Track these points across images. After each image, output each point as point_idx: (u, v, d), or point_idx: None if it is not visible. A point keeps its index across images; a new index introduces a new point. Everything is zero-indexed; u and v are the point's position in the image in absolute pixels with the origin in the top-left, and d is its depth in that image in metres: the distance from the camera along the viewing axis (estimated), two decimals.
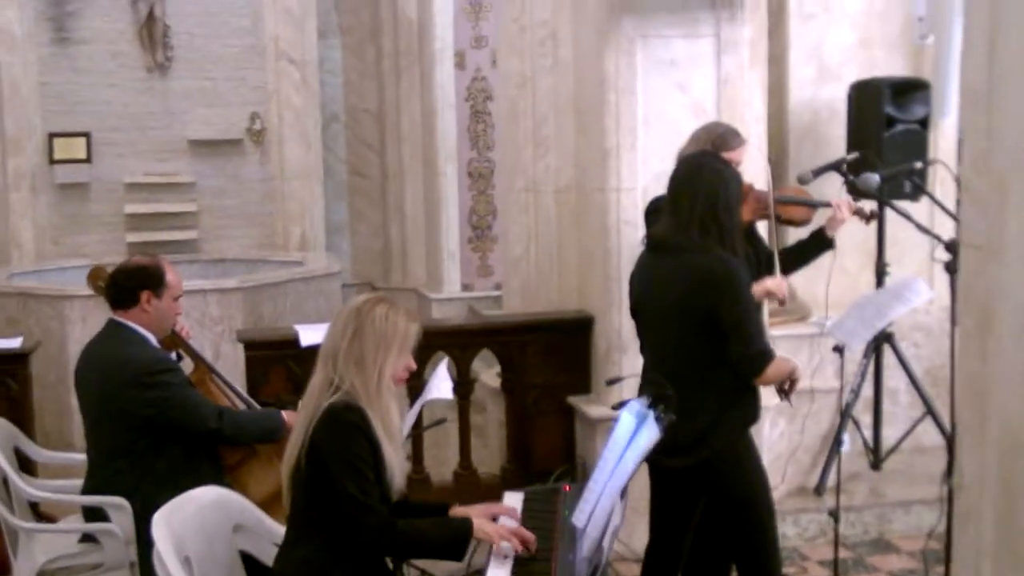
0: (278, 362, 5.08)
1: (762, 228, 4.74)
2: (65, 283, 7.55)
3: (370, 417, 2.95)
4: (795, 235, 5.02)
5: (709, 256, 3.47)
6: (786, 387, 3.60)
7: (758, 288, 4.27)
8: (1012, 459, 2.27)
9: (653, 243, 3.67)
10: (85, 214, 8.93)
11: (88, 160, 8.86)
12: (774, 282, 4.25)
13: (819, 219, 4.66)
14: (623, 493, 2.83)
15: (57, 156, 8.79)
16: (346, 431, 2.92)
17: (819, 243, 4.53)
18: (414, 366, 3.11)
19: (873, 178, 4.60)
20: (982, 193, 2.33)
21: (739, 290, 3.48)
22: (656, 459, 3.04)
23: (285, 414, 3.98)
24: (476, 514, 3.12)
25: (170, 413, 3.89)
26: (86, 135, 8.83)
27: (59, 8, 8.71)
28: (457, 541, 3.01)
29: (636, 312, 3.78)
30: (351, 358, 2.96)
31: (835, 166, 4.92)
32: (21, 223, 8.73)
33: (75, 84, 8.83)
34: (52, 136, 8.78)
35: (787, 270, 4.67)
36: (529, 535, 3.05)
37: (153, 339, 4.04)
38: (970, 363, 2.39)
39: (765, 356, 3.51)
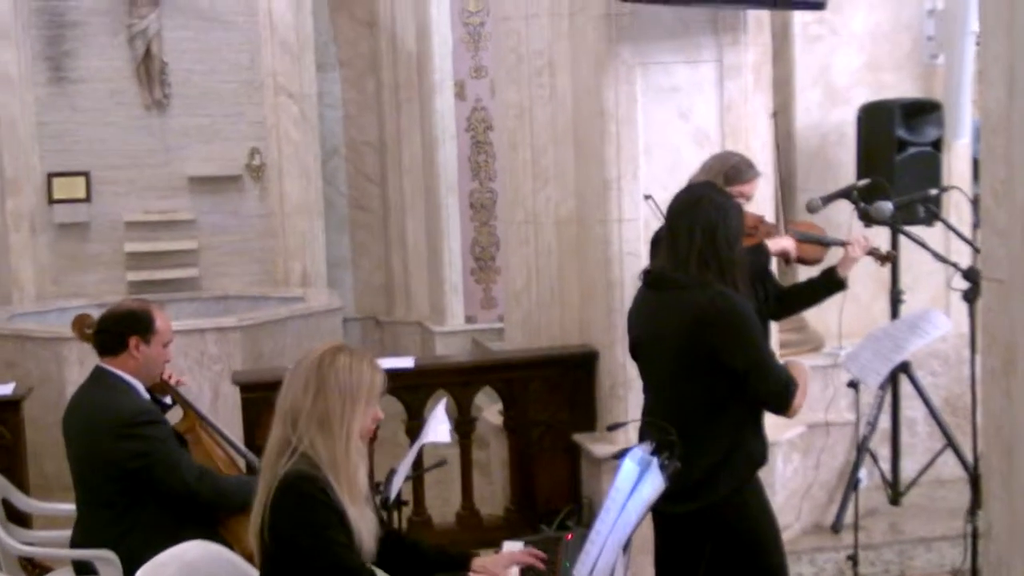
0: (275, 403, 4.92)
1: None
2: (64, 324, 7.42)
3: (332, 483, 2.73)
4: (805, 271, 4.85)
5: (708, 291, 3.30)
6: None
7: (773, 245, 4.15)
8: None
9: (650, 279, 3.51)
10: (85, 253, 8.81)
11: (87, 199, 8.75)
12: (786, 241, 4.18)
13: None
14: (626, 547, 2.66)
15: (56, 196, 8.68)
16: (305, 504, 2.71)
17: (830, 283, 4.30)
18: (381, 415, 2.89)
19: (886, 206, 4.44)
20: (1003, 224, 2.18)
21: (746, 326, 3.31)
22: (659, 505, 2.87)
23: None
24: (496, 563, 2.96)
25: (149, 469, 3.74)
26: (85, 174, 8.73)
27: (56, 48, 8.62)
28: None
29: (636, 351, 3.62)
30: (314, 419, 2.74)
31: (846, 193, 4.76)
32: (21, 263, 8.61)
33: (73, 123, 8.73)
34: (51, 176, 8.66)
35: (795, 309, 4.52)
36: (538, 553, 2.94)
37: (140, 387, 3.91)
38: (996, 404, 2.23)
39: (790, 386, 3.34)
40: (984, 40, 2.28)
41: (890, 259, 4.59)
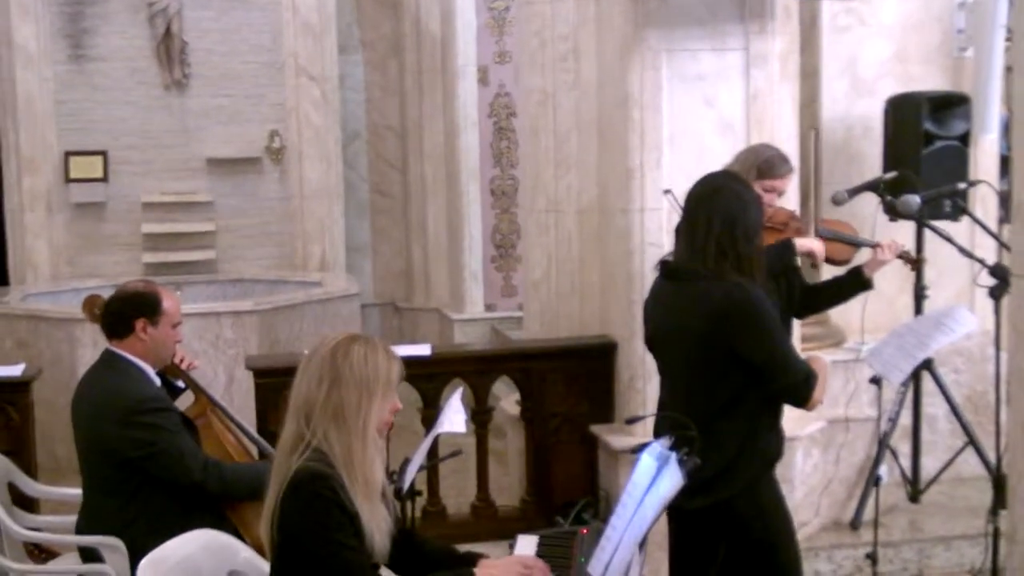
0: (288, 389, 4.86)
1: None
2: (78, 305, 7.39)
3: (345, 480, 2.64)
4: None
5: (725, 283, 3.22)
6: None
7: (801, 244, 4.09)
8: None
9: (667, 270, 3.43)
10: (101, 234, 8.78)
11: (104, 179, 8.72)
12: (814, 243, 4.14)
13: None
14: (642, 544, 2.60)
15: (73, 175, 8.65)
16: (315, 504, 2.61)
17: (856, 283, 4.22)
18: (399, 406, 2.78)
19: (914, 200, 4.36)
20: None
21: (762, 317, 3.23)
22: (673, 500, 2.80)
23: None
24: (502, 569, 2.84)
25: (153, 459, 3.67)
26: (103, 153, 8.69)
27: (75, 25, 8.59)
28: None
29: (652, 342, 3.55)
30: (328, 414, 2.63)
31: (872, 186, 4.68)
32: (36, 243, 8.60)
33: (91, 102, 8.70)
34: (68, 155, 8.64)
35: (820, 307, 4.44)
36: (543, 567, 2.82)
37: (150, 371, 3.84)
38: (1022, 403, 2.15)
39: (810, 379, 3.27)
40: (1016, 25, 2.20)
41: (920, 263, 4.50)
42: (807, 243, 4.24)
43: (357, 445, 2.65)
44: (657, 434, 3.07)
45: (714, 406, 3.25)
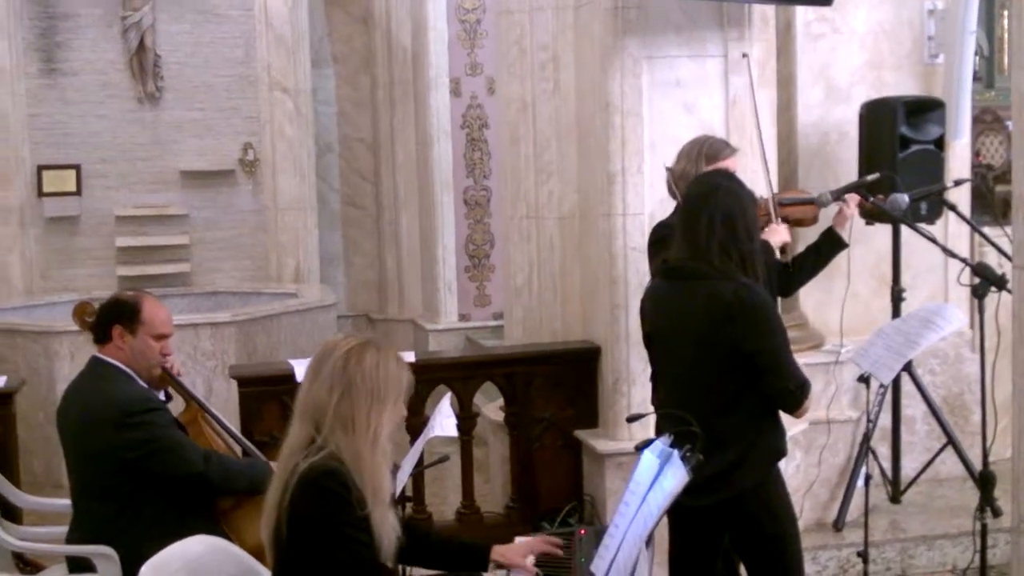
0: (272, 398, 4.87)
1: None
2: (54, 319, 7.35)
3: (356, 482, 2.65)
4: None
5: (732, 283, 3.26)
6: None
7: (774, 239, 4.19)
8: None
9: (668, 269, 3.46)
10: (75, 248, 8.73)
11: (78, 193, 8.68)
12: (784, 234, 4.28)
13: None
14: (649, 541, 2.62)
15: (46, 189, 8.60)
16: (325, 499, 2.62)
17: (832, 244, 4.43)
18: (404, 413, 2.80)
19: (903, 198, 4.45)
20: None
21: (769, 320, 3.28)
22: (677, 498, 2.83)
23: (275, 465, 3.75)
24: (514, 551, 2.92)
25: (153, 456, 3.66)
26: (76, 167, 8.66)
27: (48, 39, 8.55)
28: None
29: (650, 342, 3.58)
30: (339, 420, 2.64)
31: (856, 187, 4.74)
32: (9, 258, 8.52)
33: (64, 115, 8.66)
34: (41, 168, 8.60)
35: (802, 279, 4.57)
36: (555, 540, 2.92)
37: (137, 376, 3.83)
38: None
39: (805, 388, 3.32)
40: (1017, 21, 2.25)
41: (877, 205, 4.66)
42: (779, 237, 4.33)
43: (366, 453, 2.66)
44: (660, 432, 3.10)
45: (719, 404, 3.28)
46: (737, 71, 4.88)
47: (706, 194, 3.35)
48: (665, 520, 3.42)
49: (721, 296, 3.25)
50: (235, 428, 4.38)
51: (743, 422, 3.30)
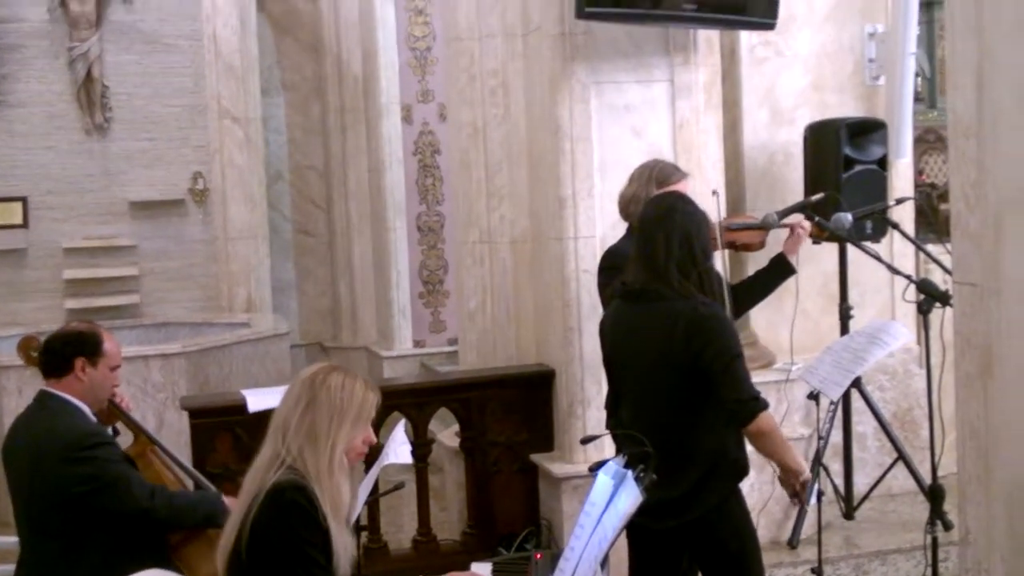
0: (224, 429, 4.83)
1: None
2: (0, 353, 7.25)
3: (318, 497, 2.70)
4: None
5: (691, 301, 3.30)
6: (797, 488, 3.46)
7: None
8: (1022, 511, 2.12)
9: (628, 292, 3.49)
10: (22, 281, 8.64)
11: (25, 225, 8.59)
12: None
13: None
14: (604, 562, 2.64)
15: None
16: (291, 513, 2.67)
17: (780, 270, 4.45)
18: (374, 439, 2.89)
19: (846, 218, 4.51)
20: (975, 227, 2.20)
21: (727, 333, 3.31)
22: (640, 521, 2.85)
23: (226, 499, 3.72)
24: None
25: (100, 493, 3.60)
26: (22, 200, 8.58)
27: None
28: None
29: (610, 364, 3.60)
30: (302, 431, 2.73)
31: (800, 207, 4.81)
32: None
33: (11, 148, 8.59)
34: None
35: (749, 303, 4.61)
36: None
37: (88, 410, 3.78)
38: (971, 409, 2.25)
39: (759, 402, 3.35)
40: (950, 43, 2.30)
41: (827, 230, 4.72)
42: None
43: (324, 464, 2.72)
44: (619, 454, 3.11)
45: (683, 425, 3.31)
46: (684, 95, 4.95)
47: (662, 216, 3.39)
48: (624, 541, 3.45)
49: (680, 314, 3.28)
50: (186, 461, 4.34)
51: (709, 442, 3.33)
